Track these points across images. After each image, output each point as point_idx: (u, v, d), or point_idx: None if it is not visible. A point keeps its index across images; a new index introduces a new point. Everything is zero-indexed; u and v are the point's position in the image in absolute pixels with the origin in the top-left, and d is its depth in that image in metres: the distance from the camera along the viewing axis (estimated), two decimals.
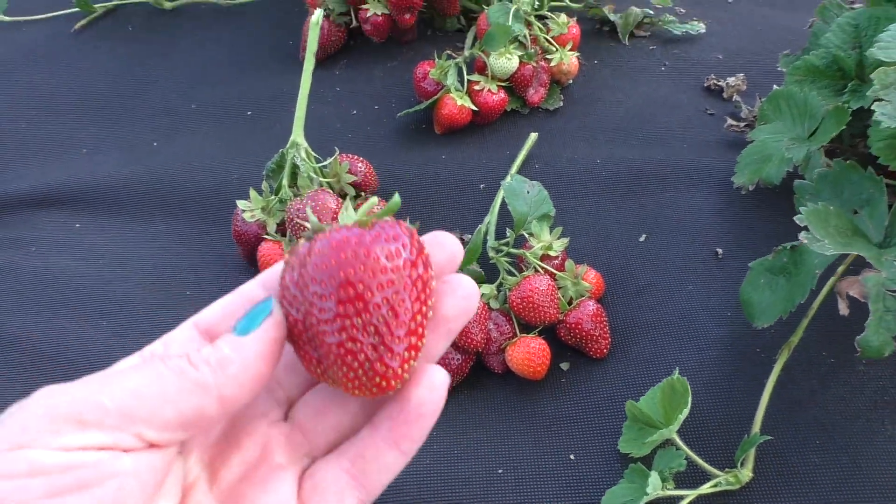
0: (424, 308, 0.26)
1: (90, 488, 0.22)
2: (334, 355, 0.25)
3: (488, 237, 0.57)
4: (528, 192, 0.57)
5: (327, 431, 0.28)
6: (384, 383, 0.25)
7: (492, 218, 0.59)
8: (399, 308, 0.25)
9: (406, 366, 0.26)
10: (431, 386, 0.26)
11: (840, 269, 0.51)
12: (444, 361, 0.51)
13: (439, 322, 0.27)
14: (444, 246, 0.28)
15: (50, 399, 0.23)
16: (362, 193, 0.63)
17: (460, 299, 0.27)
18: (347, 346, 0.25)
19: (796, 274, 0.47)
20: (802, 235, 0.42)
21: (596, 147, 0.67)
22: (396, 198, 0.27)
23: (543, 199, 0.57)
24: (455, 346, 0.52)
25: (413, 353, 0.26)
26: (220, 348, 0.25)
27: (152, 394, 0.23)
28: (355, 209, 0.27)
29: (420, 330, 0.26)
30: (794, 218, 0.43)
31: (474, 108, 0.68)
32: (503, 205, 0.60)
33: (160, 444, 0.24)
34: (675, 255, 0.59)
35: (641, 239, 0.60)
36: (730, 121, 0.67)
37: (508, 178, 0.61)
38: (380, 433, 0.26)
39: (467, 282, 0.27)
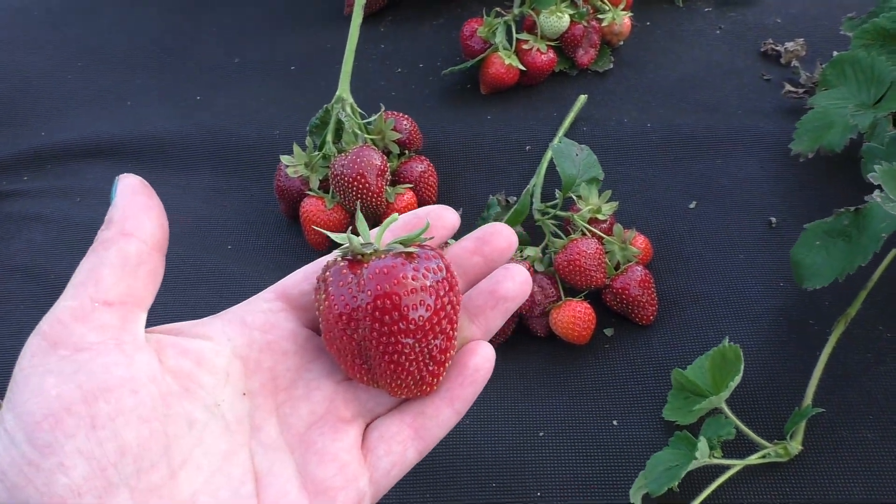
0: (455, 324, 0.30)
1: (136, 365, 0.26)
2: (392, 371, 0.29)
3: (534, 199, 0.56)
4: (576, 155, 0.56)
5: (382, 400, 0.31)
6: (427, 388, 0.30)
7: (538, 180, 0.58)
8: (442, 331, 0.29)
9: (443, 369, 0.30)
10: (484, 357, 0.31)
11: None
12: None
13: (498, 301, 0.31)
14: (443, 219, 0.32)
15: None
16: (406, 151, 0.62)
17: (519, 284, 0.31)
18: (403, 363, 0.29)
19: (858, 237, 0.45)
20: (875, 194, 0.40)
21: (646, 111, 0.65)
22: (427, 224, 0.31)
23: (592, 163, 0.56)
24: None
25: (448, 361, 0.30)
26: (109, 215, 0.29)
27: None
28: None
29: (454, 342, 0.30)
30: (868, 176, 0.41)
31: (522, 67, 0.66)
32: (550, 167, 0.59)
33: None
34: (725, 222, 0.57)
35: (691, 206, 0.59)
36: (788, 87, 0.65)
37: (556, 141, 0.60)
38: (438, 394, 0.30)
39: (522, 270, 0.32)
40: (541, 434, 0.48)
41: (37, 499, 0.22)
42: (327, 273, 0.29)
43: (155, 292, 0.29)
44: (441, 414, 0.30)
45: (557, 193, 0.55)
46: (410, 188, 0.60)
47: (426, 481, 0.47)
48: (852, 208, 0.46)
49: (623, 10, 0.69)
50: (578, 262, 0.50)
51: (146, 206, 0.28)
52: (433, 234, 0.32)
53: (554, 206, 0.55)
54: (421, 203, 0.61)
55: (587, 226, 0.53)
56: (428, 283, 0.28)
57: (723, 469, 0.43)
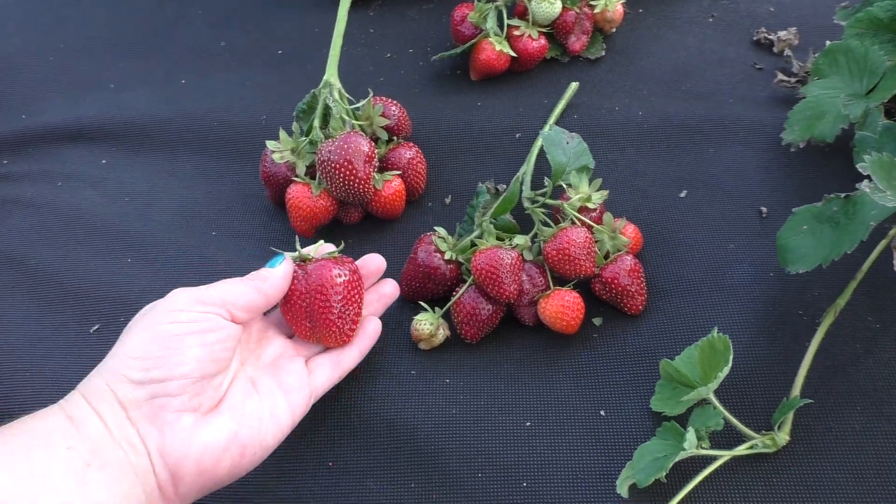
0: (360, 302, 0.49)
1: (214, 331, 0.42)
2: (326, 327, 0.47)
3: (524, 187, 0.56)
4: (567, 143, 0.55)
5: (314, 346, 0.49)
6: (346, 339, 0.49)
7: (528, 167, 0.57)
8: (353, 305, 0.48)
9: (354, 328, 0.49)
10: (375, 325, 0.50)
11: (892, 231, 0.49)
12: (473, 311, 0.50)
13: (382, 297, 0.52)
14: (373, 260, 0.52)
15: (185, 293, 0.42)
16: (395, 138, 0.61)
17: (390, 287, 0.53)
18: (334, 322, 0.47)
19: (846, 223, 0.45)
20: (864, 184, 0.40)
21: (638, 99, 0.65)
22: (342, 244, 0.51)
23: (583, 151, 0.55)
24: (486, 296, 0.51)
25: (357, 325, 0.49)
26: (260, 272, 0.46)
27: (236, 293, 0.44)
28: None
29: (359, 311, 0.49)
30: (858, 165, 0.41)
31: (513, 54, 0.65)
32: (540, 155, 0.58)
33: (237, 320, 0.44)
34: (716, 212, 0.57)
35: (682, 195, 0.58)
36: (780, 76, 0.64)
37: (547, 128, 0.59)
38: (350, 344, 0.49)
39: (392, 284, 0.53)
40: (528, 424, 0.47)
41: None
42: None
43: None
44: (351, 355, 0.49)
45: (547, 181, 0.54)
46: (399, 175, 0.59)
47: (413, 472, 0.47)
48: (842, 195, 0.45)
49: None
50: (568, 250, 0.50)
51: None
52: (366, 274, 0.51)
53: (543, 195, 0.54)
54: (410, 190, 0.60)
55: (577, 214, 0.52)
56: (344, 277, 0.47)
57: (710, 460, 0.43)
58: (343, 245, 0.50)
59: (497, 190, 0.58)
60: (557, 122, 0.63)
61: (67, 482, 0.35)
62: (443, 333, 0.52)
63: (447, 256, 0.52)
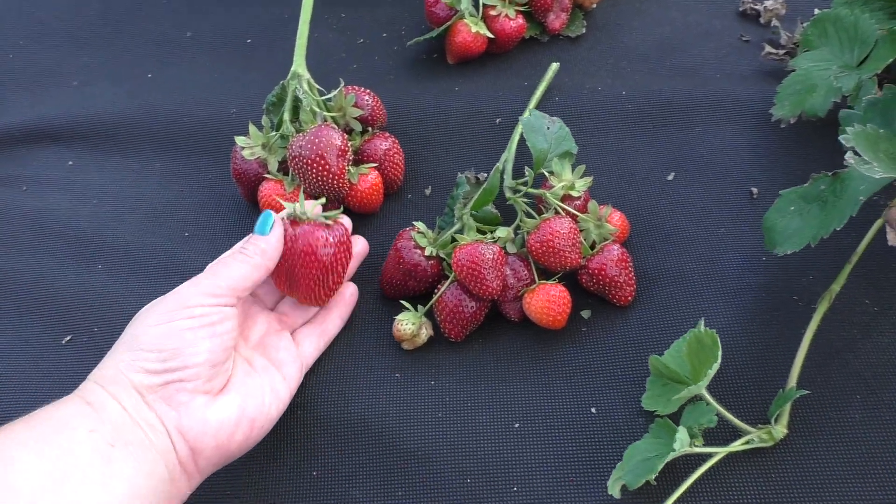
0: (346, 267, 0.49)
1: (222, 322, 0.43)
2: (303, 290, 0.48)
3: (505, 176, 0.53)
4: (548, 129, 0.53)
5: (298, 319, 0.51)
6: (320, 302, 0.50)
7: (509, 155, 0.55)
8: (335, 270, 0.48)
9: (331, 294, 0.49)
10: (351, 289, 0.53)
11: (887, 210, 0.47)
12: (456, 309, 0.48)
13: (354, 257, 0.52)
14: (356, 242, 0.53)
15: (195, 287, 0.43)
16: (369, 128, 0.58)
17: (360, 245, 0.54)
18: (311, 283, 0.47)
19: (835, 201, 0.43)
20: (849, 156, 0.38)
21: (621, 78, 0.62)
22: (341, 208, 0.50)
23: (565, 136, 0.53)
24: (468, 293, 0.49)
25: (335, 289, 0.50)
26: (258, 243, 0.46)
27: (241, 276, 0.44)
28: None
29: (340, 280, 0.49)
30: (840, 138, 0.39)
31: (490, 35, 0.63)
32: (521, 142, 0.56)
33: (239, 300, 0.45)
34: (705, 195, 0.55)
35: (669, 178, 0.56)
36: (768, 48, 0.62)
37: (527, 113, 0.57)
38: (330, 311, 0.51)
39: (362, 241, 0.55)
40: (516, 426, 0.46)
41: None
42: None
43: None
44: (333, 321, 0.51)
45: (528, 171, 0.52)
46: (375, 167, 0.57)
47: (399, 479, 0.45)
48: (829, 173, 0.43)
49: None
50: (552, 242, 0.48)
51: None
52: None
53: (526, 184, 0.52)
54: (387, 183, 0.58)
55: (560, 204, 0.50)
56: (330, 248, 0.46)
57: (706, 457, 0.41)
58: (342, 208, 0.50)
59: (478, 179, 0.56)
60: (538, 106, 0.60)
61: (93, 461, 0.36)
62: (426, 333, 0.50)
63: (427, 252, 0.50)
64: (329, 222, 0.47)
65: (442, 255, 0.51)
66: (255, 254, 0.45)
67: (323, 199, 0.50)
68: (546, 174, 0.51)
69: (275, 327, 0.49)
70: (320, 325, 0.50)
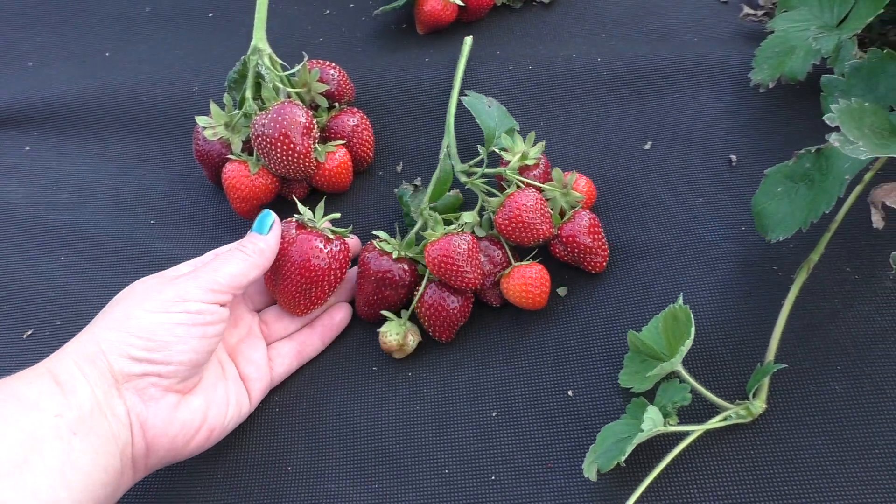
0: (337, 281, 0.48)
1: (214, 324, 0.42)
2: (286, 296, 0.48)
3: (453, 161, 0.51)
4: (489, 108, 0.51)
5: (280, 330, 0.50)
6: (299, 313, 0.49)
7: (450, 138, 0.52)
8: (322, 284, 0.47)
9: (313, 307, 0.49)
10: (343, 313, 0.51)
11: (867, 175, 0.46)
12: (439, 307, 0.46)
13: (330, 327, 0.51)
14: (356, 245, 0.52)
15: (196, 280, 0.42)
16: (336, 104, 0.56)
17: (342, 313, 0.51)
18: (294, 289, 0.47)
19: (821, 180, 0.42)
20: (833, 137, 0.37)
21: (595, 44, 0.60)
22: (350, 227, 0.50)
23: (504, 114, 0.52)
24: (448, 288, 0.47)
25: (322, 301, 0.49)
26: (256, 242, 0.45)
27: (240, 272, 0.44)
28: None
29: (325, 297, 0.48)
30: (825, 117, 0.37)
31: (460, 3, 0.60)
32: (458, 123, 0.53)
33: (234, 297, 0.44)
34: (683, 163, 0.53)
35: (646, 147, 0.54)
36: (746, 9, 0.60)
37: (455, 94, 0.54)
38: (315, 331, 0.50)
39: (346, 307, 0.51)
40: (493, 414, 0.45)
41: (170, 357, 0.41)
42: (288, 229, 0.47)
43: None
44: (313, 344, 0.49)
45: (480, 149, 0.50)
46: (343, 145, 0.55)
47: (375, 472, 0.44)
48: (813, 149, 0.42)
49: None
50: (520, 217, 0.46)
51: None
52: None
53: (479, 165, 0.50)
54: (357, 160, 0.56)
55: (521, 178, 0.48)
56: (324, 261, 0.46)
57: (683, 436, 0.40)
58: (352, 227, 0.50)
59: (416, 187, 0.54)
60: (512, 74, 0.58)
61: (54, 450, 0.36)
62: (413, 339, 0.48)
63: (395, 255, 0.48)
64: (331, 236, 0.46)
65: (413, 258, 0.49)
66: (254, 252, 0.45)
67: (337, 215, 0.49)
68: (498, 151, 0.49)
69: (255, 332, 0.48)
70: (298, 346, 0.49)
